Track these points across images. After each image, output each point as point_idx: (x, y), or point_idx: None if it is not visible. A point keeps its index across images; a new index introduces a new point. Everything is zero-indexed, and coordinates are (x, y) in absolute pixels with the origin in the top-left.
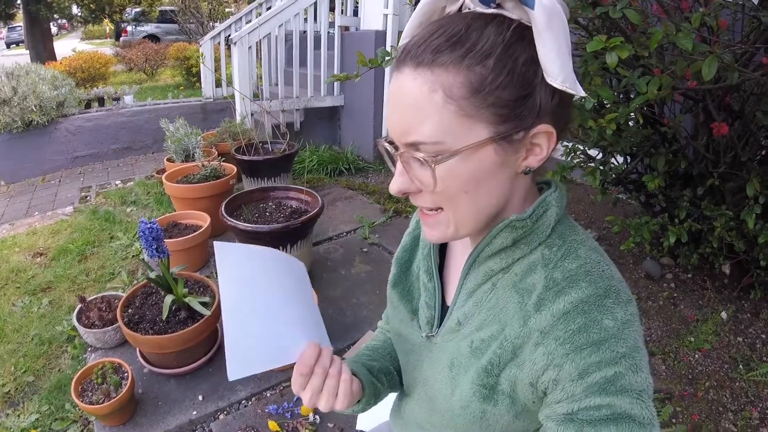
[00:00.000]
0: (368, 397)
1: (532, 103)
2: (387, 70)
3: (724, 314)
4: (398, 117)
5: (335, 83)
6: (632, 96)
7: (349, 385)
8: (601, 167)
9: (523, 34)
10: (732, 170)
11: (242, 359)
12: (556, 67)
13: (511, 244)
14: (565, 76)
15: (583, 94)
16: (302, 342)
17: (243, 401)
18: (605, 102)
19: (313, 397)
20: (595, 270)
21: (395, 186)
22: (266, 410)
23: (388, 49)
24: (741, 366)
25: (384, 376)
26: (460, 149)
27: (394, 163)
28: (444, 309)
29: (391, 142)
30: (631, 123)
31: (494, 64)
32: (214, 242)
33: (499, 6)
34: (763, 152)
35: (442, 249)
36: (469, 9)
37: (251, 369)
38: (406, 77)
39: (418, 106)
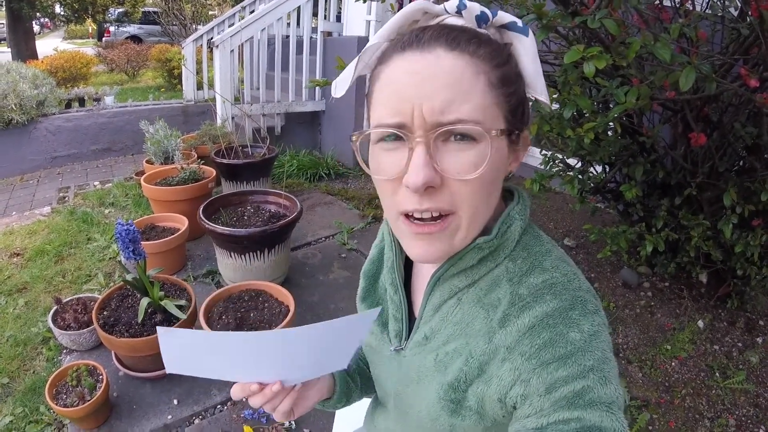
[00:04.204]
0: (339, 395)
1: (524, 109)
2: (368, 75)
3: (700, 323)
4: (434, 93)
5: (317, 88)
6: (611, 105)
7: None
8: (580, 176)
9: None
10: (709, 180)
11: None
12: (541, 84)
13: (476, 263)
14: (543, 91)
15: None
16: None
17: (218, 405)
18: (584, 111)
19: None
20: (560, 282)
21: (421, 177)
22: (242, 415)
23: None
24: (717, 374)
25: (359, 378)
26: (499, 131)
27: (367, 163)
28: (412, 321)
29: (400, 126)
30: (609, 132)
31: (512, 69)
32: (158, 328)
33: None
34: (741, 162)
35: (408, 261)
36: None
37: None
38: (441, 57)
39: (462, 84)
